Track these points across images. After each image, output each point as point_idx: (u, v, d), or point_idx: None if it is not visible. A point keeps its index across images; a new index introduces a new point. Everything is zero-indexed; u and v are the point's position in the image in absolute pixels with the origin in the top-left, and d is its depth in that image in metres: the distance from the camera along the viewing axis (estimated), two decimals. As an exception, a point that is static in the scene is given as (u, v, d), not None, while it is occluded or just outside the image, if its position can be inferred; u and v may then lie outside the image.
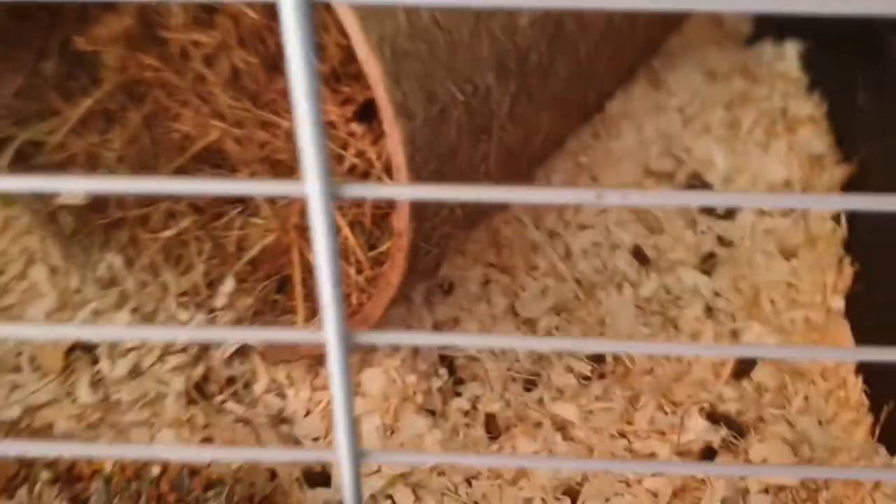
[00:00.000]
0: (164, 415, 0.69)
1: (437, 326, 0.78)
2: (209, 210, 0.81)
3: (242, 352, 0.75)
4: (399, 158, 0.57)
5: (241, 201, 0.81)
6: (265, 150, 0.76)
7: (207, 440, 0.68)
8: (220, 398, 0.71)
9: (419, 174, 0.58)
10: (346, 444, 0.34)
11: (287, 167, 0.77)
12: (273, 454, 0.48)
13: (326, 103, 0.72)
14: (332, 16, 0.74)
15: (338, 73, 0.74)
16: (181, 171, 0.81)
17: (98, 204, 0.81)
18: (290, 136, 0.74)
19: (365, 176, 0.73)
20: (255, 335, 0.50)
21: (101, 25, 0.78)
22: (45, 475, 0.63)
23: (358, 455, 0.34)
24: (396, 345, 0.74)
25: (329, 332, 0.33)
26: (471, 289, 0.82)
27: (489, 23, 0.65)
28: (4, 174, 0.79)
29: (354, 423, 0.34)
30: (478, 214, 0.76)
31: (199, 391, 0.72)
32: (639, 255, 0.87)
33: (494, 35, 0.65)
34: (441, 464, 0.67)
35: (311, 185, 0.33)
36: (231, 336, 0.42)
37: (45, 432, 0.66)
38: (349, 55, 0.73)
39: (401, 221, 0.60)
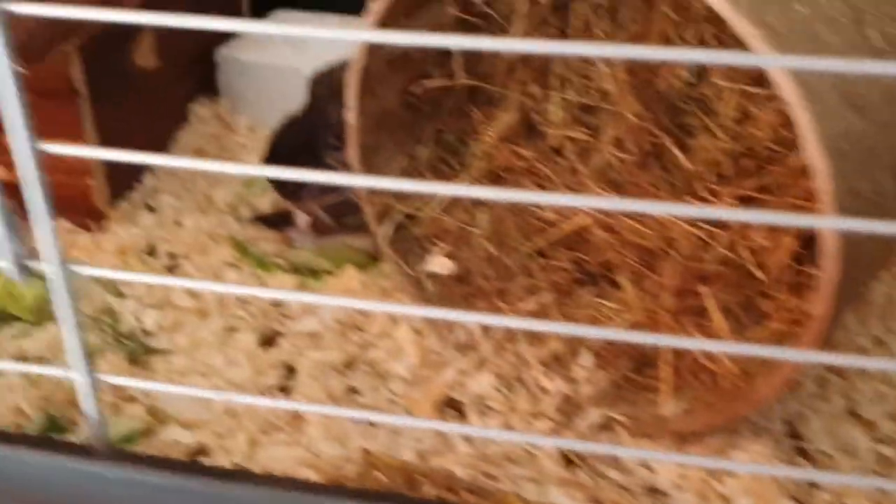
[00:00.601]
0: (548, 472, 0.74)
1: (786, 420, 0.81)
2: (564, 288, 0.87)
3: (606, 424, 0.79)
4: (830, 244, 0.63)
5: (595, 284, 0.87)
6: (631, 237, 0.83)
7: (597, 502, 0.72)
8: (594, 463, 0.76)
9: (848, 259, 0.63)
10: None
11: (649, 251, 0.83)
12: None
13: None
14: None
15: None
16: (541, 254, 0.88)
17: (462, 275, 0.89)
18: (661, 225, 0.81)
19: (733, 266, 0.78)
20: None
21: (493, 120, 0.88)
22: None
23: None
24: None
25: None
26: (809, 386, 0.84)
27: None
28: (387, 243, 0.89)
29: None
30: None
31: (568, 456, 0.77)
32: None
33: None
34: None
35: None
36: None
37: (446, 476, 0.72)
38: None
39: (822, 307, 0.64)
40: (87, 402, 0.53)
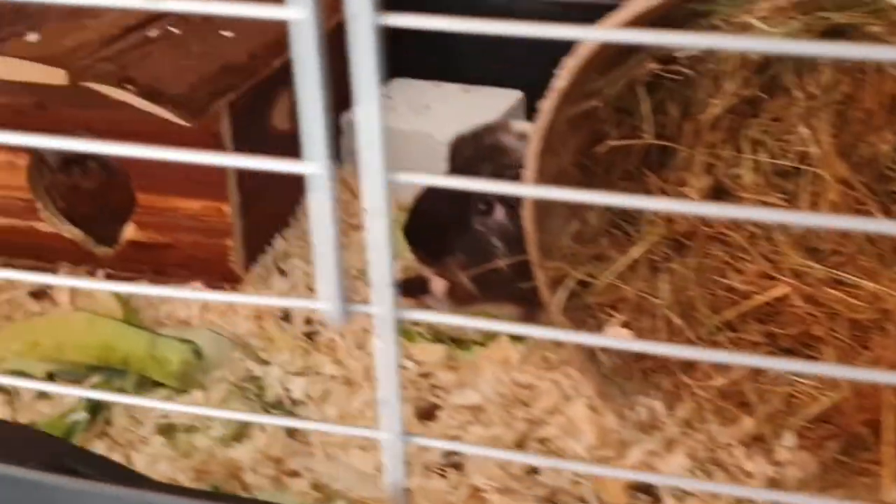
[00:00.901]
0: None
1: None
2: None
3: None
4: None
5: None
6: (838, 308, 0.77)
7: None
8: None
9: None
10: None
11: (858, 324, 0.77)
12: None
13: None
14: None
15: None
16: (729, 326, 0.82)
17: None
18: (874, 295, 0.75)
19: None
20: None
21: (671, 184, 0.83)
22: None
23: None
24: None
25: None
26: None
27: None
28: (560, 311, 0.83)
29: None
30: None
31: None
32: None
33: None
34: None
35: None
36: None
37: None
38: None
39: None
40: (394, 469, 0.47)
